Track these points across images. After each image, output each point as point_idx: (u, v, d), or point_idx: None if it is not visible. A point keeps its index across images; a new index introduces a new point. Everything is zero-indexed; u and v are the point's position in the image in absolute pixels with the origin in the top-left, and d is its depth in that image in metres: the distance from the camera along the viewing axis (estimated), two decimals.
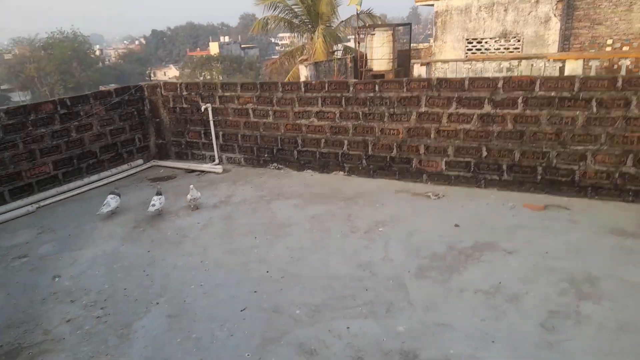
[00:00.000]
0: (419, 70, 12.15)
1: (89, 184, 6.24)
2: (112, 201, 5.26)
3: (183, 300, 3.43)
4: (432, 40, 16.24)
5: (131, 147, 6.98)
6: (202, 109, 6.68)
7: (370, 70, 15.81)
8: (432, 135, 5.44)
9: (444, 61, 12.29)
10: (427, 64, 12.18)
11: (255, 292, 3.49)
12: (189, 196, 5.18)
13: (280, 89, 6.24)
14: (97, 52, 64.56)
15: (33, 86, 50.06)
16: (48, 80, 49.19)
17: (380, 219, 4.65)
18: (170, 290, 3.60)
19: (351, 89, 5.77)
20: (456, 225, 4.40)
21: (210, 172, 6.65)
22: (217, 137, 6.87)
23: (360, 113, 5.79)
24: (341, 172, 6.12)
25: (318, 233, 4.43)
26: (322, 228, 4.53)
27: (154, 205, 5.09)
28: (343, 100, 5.85)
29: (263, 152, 6.63)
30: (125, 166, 6.81)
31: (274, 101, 6.32)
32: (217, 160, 6.91)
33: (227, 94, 6.63)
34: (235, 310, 3.27)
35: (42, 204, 5.63)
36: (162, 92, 7.11)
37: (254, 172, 6.50)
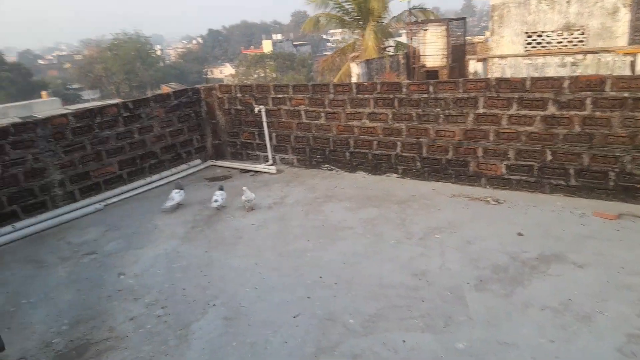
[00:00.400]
0: (474, 67, 11.73)
1: (150, 183, 6.52)
2: (176, 196, 5.54)
3: (238, 303, 3.51)
4: (487, 33, 15.63)
5: (189, 147, 7.22)
6: (256, 111, 6.79)
7: (423, 66, 15.47)
8: (491, 138, 5.23)
9: (502, 57, 11.78)
10: (484, 60, 11.73)
11: (308, 297, 3.50)
12: (243, 197, 5.29)
13: (332, 91, 6.23)
14: (158, 52, 67.49)
15: (101, 85, 53.21)
16: (114, 80, 52.10)
17: (436, 224, 4.54)
18: (226, 292, 3.69)
19: (404, 90, 5.66)
20: (519, 234, 4.20)
21: (264, 172, 6.76)
22: (270, 138, 6.96)
23: (414, 114, 5.66)
24: (394, 174, 6.03)
25: (371, 238, 4.39)
26: (375, 232, 4.48)
27: (216, 200, 5.29)
28: (396, 102, 5.75)
29: (315, 153, 6.65)
30: (184, 166, 7.06)
31: (326, 102, 6.32)
32: (270, 161, 7.01)
33: (279, 95, 6.70)
34: (289, 315, 3.30)
35: (109, 202, 5.95)
36: (218, 94, 7.30)
37: (306, 173, 6.54)
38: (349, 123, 6.21)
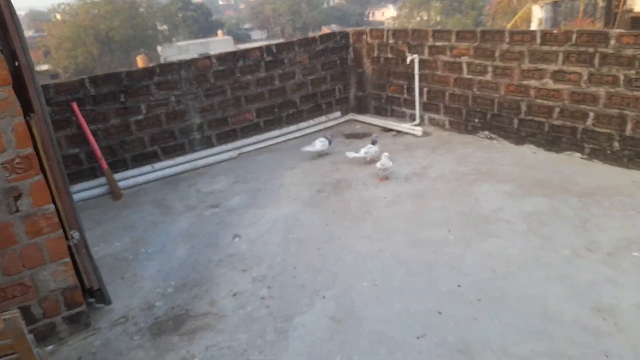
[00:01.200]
0: None
1: (286, 134, 6.17)
2: (318, 143, 5.23)
3: (352, 301, 2.89)
4: None
5: (330, 98, 6.65)
6: (408, 61, 5.84)
7: (630, 11, 12.29)
8: None
9: None
10: None
11: (439, 313, 2.72)
12: (379, 164, 4.56)
13: (507, 39, 4.94)
14: None
15: (268, 26, 55.96)
16: (280, 21, 54.24)
17: (636, 236, 3.26)
18: (340, 281, 3.10)
19: (612, 42, 4.15)
20: None
21: (408, 133, 5.89)
22: (420, 94, 5.99)
23: (622, 77, 4.16)
24: (577, 154, 4.65)
25: (535, 241, 3.33)
26: (543, 235, 3.40)
27: (367, 152, 4.88)
28: (597, 58, 4.28)
29: (473, 116, 5.51)
30: (322, 118, 6.55)
31: (496, 54, 5.07)
32: (417, 120, 6.08)
33: (438, 43, 5.62)
34: (411, 334, 2.58)
35: (242, 150, 5.77)
36: (368, 39, 6.48)
37: (458, 140, 5.49)
38: (523, 82, 4.91)
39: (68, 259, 2.69)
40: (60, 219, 2.69)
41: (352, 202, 4.22)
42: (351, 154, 4.90)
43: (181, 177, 5.20)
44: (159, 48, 37.56)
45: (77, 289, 2.77)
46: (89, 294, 3.03)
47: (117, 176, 4.96)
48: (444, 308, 2.75)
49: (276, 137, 6.07)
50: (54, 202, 2.63)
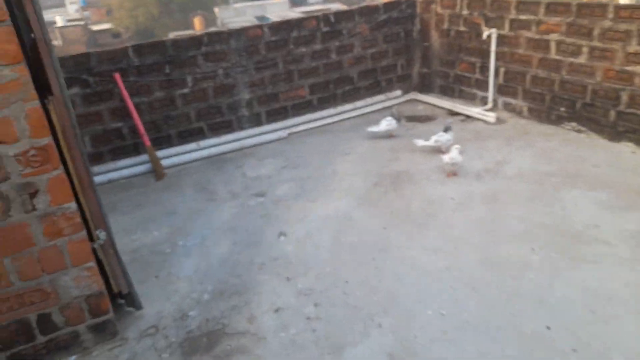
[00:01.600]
0: None
1: (341, 113, 5.64)
2: (383, 122, 4.81)
3: (413, 335, 2.42)
4: None
5: (391, 74, 6.02)
6: (484, 35, 5.10)
7: None
8: None
9: None
10: None
11: None
12: (447, 157, 3.98)
13: (611, 14, 4.12)
14: None
15: None
16: None
17: None
18: (399, 305, 2.63)
19: None
20: None
21: (478, 118, 5.21)
22: (496, 74, 5.26)
23: None
24: None
25: None
26: None
27: (437, 141, 4.32)
28: None
29: (559, 103, 4.76)
30: (381, 96, 5.95)
31: (595, 33, 4.26)
32: (490, 105, 5.37)
33: (522, 17, 4.83)
34: None
35: (293, 130, 5.32)
36: (438, 9, 5.74)
37: (538, 130, 4.77)
38: (627, 68, 4.11)
39: (92, 264, 2.37)
40: (84, 217, 2.36)
41: (413, 201, 3.69)
42: (420, 142, 4.33)
43: (227, 158, 4.83)
44: (216, 10, 37.29)
45: (103, 296, 2.46)
46: (119, 296, 2.74)
47: (160, 153, 4.67)
48: (530, 358, 2.23)
49: (330, 116, 5.56)
50: (76, 198, 2.29)
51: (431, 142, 4.30)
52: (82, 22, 37.71)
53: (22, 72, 1.91)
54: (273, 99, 5.30)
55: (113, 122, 4.57)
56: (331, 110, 5.61)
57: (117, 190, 4.34)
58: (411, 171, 4.15)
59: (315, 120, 5.47)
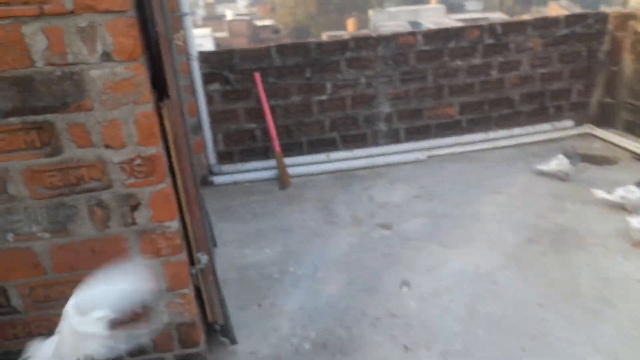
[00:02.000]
0: None
1: (494, 139, 4.84)
2: (554, 162, 3.94)
3: None
4: None
5: (563, 100, 5.01)
6: None
7: None
8: None
9: None
10: None
11: None
12: (634, 221, 3.01)
13: None
14: None
15: None
16: None
17: None
18: None
19: None
20: None
21: None
22: None
23: None
24: None
25: None
26: None
27: (624, 197, 3.34)
28: None
29: None
30: (547, 125, 4.99)
31: None
32: None
33: None
34: None
35: (434, 153, 4.69)
36: (638, 27, 4.60)
37: None
38: None
39: (187, 290, 2.09)
40: (186, 236, 2.09)
41: (582, 274, 2.83)
42: (599, 193, 3.41)
43: (356, 175, 4.40)
44: (370, 12, 37.58)
45: (195, 327, 2.17)
46: (215, 323, 2.45)
47: (288, 161, 4.41)
48: None
49: (480, 141, 4.79)
50: (181, 215, 2.02)
51: (615, 197, 3.33)
52: (248, 17, 41.02)
53: (137, 71, 1.65)
54: (416, 115, 4.72)
55: (247, 122, 4.43)
56: (482, 135, 4.84)
57: (240, 194, 4.18)
58: (581, 231, 3.25)
59: (461, 144, 4.75)
